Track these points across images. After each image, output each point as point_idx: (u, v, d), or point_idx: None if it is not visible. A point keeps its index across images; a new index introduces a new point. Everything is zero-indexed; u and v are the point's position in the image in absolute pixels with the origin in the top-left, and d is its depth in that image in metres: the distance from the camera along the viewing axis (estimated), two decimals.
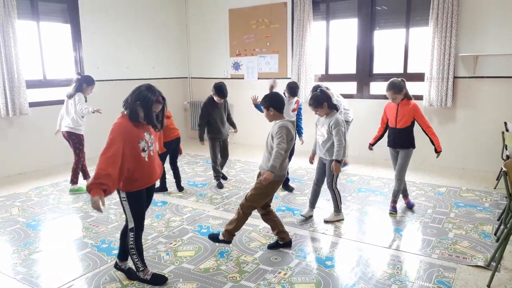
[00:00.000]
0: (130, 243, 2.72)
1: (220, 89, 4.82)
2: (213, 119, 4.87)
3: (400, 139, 3.91)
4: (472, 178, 5.30)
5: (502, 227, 3.38)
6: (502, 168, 2.85)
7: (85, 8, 6.37)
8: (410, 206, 4.20)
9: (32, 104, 5.75)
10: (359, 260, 3.15)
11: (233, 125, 5.21)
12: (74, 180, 4.91)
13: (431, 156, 5.81)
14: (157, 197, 4.67)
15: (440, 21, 5.50)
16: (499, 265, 2.86)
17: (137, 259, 2.77)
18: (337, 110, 3.72)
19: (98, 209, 2.36)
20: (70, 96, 4.75)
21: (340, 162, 3.66)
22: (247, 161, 6.32)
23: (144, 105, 2.58)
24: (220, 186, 5.02)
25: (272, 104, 3.16)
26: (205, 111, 4.88)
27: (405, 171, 3.98)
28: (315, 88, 4.42)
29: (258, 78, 7.35)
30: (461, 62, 5.58)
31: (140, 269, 2.80)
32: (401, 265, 3.08)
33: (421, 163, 5.84)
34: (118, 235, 3.62)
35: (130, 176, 2.59)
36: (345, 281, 2.84)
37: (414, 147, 3.93)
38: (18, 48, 5.45)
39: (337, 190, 3.88)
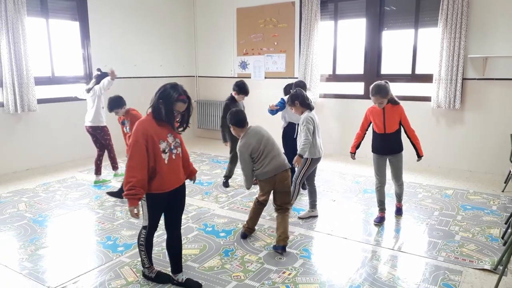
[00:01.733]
0: (141, 240, 2.73)
1: (243, 87, 4.83)
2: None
3: (390, 145, 3.73)
4: (479, 180, 5.25)
5: (509, 230, 3.35)
6: (510, 171, 2.82)
7: (94, 6, 6.41)
8: (399, 213, 4.02)
9: (40, 101, 5.79)
10: (364, 261, 3.14)
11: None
12: (115, 166, 5.36)
13: (438, 157, 5.82)
14: None
15: (449, 22, 5.45)
16: (506, 269, 2.83)
17: (144, 256, 2.77)
18: (310, 109, 3.89)
19: (134, 217, 2.48)
20: (88, 90, 5.07)
21: (303, 158, 3.78)
22: None
23: (165, 103, 2.52)
24: (226, 185, 5.04)
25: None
26: (228, 111, 4.84)
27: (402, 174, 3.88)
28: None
29: (265, 78, 7.34)
30: (470, 63, 5.52)
31: (146, 266, 2.81)
32: (407, 267, 3.06)
33: (428, 165, 5.80)
34: (124, 232, 3.65)
35: (150, 175, 2.54)
36: (350, 282, 2.82)
37: (403, 149, 3.78)
38: (27, 45, 5.49)
39: (299, 186, 3.93)
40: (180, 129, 2.68)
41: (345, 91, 6.71)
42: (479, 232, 3.64)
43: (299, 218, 3.99)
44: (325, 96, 6.74)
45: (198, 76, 8.30)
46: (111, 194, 4.49)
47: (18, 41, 5.39)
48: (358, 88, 6.52)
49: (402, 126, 3.72)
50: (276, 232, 3.36)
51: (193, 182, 2.96)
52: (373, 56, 6.30)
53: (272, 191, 3.44)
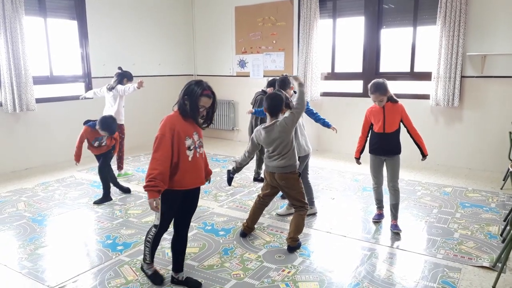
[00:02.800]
0: (149, 237, 2.74)
1: (274, 83, 4.62)
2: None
3: (389, 145, 3.58)
4: (478, 178, 5.26)
5: (508, 227, 3.35)
6: (509, 169, 2.83)
7: (92, 5, 6.40)
8: (397, 229, 3.65)
9: (39, 100, 5.78)
10: (363, 259, 3.14)
11: None
12: (120, 166, 5.37)
13: (437, 155, 5.83)
14: None
15: (448, 19, 5.45)
16: (504, 266, 2.83)
17: (148, 252, 2.79)
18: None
19: (154, 209, 2.47)
20: (111, 88, 5.13)
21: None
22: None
23: (190, 99, 2.52)
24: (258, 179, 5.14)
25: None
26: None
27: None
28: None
29: (264, 76, 7.34)
30: (469, 61, 5.53)
31: (146, 261, 2.82)
32: (406, 264, 3.06)
33: (426, 163, 5.80)
34: (123, 231, 3.66)
35: (171, 171, 2.54)
36: (349, 280, 2.83)
37: (401, 152, 3.62)
38: (25, 44, 5.48)
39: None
40: (204, 125, 2.69)
41: (343, 89, 6.72)
42: (478, 230, 3.65)
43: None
44: (324, 94, 6.74)
45: (197, 75, 8.28)
46: (98, 202, 4.41)
47: (16, 40, 5.37)
48: (357, 86, 6.53)
49: (404, 126, 3.59)
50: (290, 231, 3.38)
51: (208, 183, 2.95)
52: (371, 54, 6.30)
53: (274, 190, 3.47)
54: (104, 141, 4.44)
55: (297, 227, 3.31)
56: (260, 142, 3.34)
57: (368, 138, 3.74)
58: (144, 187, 2.46)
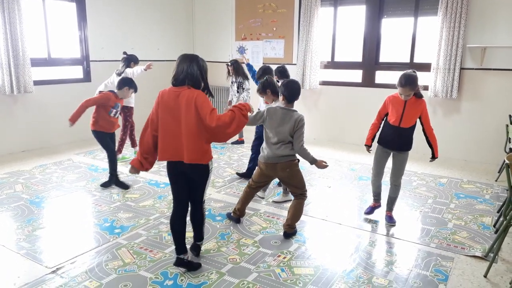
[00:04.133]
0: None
1: (285, 72, 4.63)
2: None
3: (401, 140, 3.42)
4: (474, 170, 5.31)
5: (501, 219, 3.40)
6: (504, 161, 2.86)
7: None
8: (391, 221, 3.60)
9: (36, 83, 5.75)
10: (358, 246, 3.19)
11: None
12: (120, 150, 5.33)
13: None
14: (160, 179, 4.71)
15: (449, 10, 5.43)
16: (496, 256, 2.88)
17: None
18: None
19: None
20: (120, 73, 5.18)
21: None
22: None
23: (206, 75, 2.68)
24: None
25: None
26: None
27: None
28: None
29: (263, 63, 7.31)
30: (469, 53, 5.53)
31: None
32: (400, 253, 3.11)
33: (423, 154, 5.83)
34: (120, 215, 3.68)
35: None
36: (343, 267, 2.88)
37: (411, 149, 3.49)
38: (23, 26, 5.42)
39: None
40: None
41: (343, 78, 6.71)
42: (472, 220, 3.70)
43: (273, 202, 4.07)
44: (323, 83, 6.73)
45: None
46: (105, 185, 4.40)
47: (14, 21, 5.32)
48: (356, 75, 6.52)
49: (421, 123, 3.42)
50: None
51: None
52: (372, 43, 6.28)
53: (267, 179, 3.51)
54: (119, 110, 4.35)
55: (296, 214, 3.34)
56: (269, 120, 3.23)
57: (381, 128, 3.58)
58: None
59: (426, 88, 5.81)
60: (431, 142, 3.47)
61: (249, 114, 2.79)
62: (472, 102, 5.63)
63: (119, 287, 2.58)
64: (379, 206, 3.80)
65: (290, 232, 3.32)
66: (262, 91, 3.77)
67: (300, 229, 3.46)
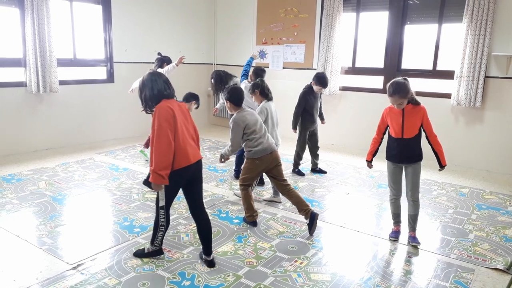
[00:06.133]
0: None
1: (323, 79, 4.91)
2: (310, 108, 4.95)
3: (409, 152, 3.23)
4: (496, 180, 5.19)
5: None
6: None
7: None
8: (415, 241, 3.32)
9: (62, 82, 5.90)
10: (375, 254, 3.15)
11: (321, 116, 5.30)
12: (148, 144, 5.40)
13: (455, 155, 5.75)
14: None
15: (474, 18, 5.34)
16: None
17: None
18: (268, 100, 4.11)
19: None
20: None
21: None
22: None
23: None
24: (300, 173, 5.16)
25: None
26: (304, 99, 4.94)
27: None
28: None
29: (283, 68, 7.33)
30: (494, 61, 5.42)
31: (157, 244, 2.93)
32: (419, 262, 3.07)
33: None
34: (140, 214, 3.74)
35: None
36: (361, 275, 2.85)
37: (422, 158, 3.29)
38: (51, 27, 5.57)
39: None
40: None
41: (363, 84, 6.66)
42: (494, 232, 3.61)
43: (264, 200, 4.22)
44: (344, 88, 6.70)
45: (216, 64, 8.31)
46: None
47: (42, 22, 5.47)
48: (377, 82, 6.46)
49: (423, 131, 3.24)
50: (300, 207, 3.51)
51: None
52: (394, 50, 6.22)
53: (262, 175, 3.76)
54: None
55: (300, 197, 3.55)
56: (249, 123, 3.45)
57: (386, 143, 3.38)
58: None
59: (448, 96, 5.74)
60: (436, 150, 3.28)
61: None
62: (496, 111, 5.51)
63: (137, 285, 2.62)
64: (400, 231, 3.48)
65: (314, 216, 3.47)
66: (251, 91, 4.11)
67: (317, 235, 3.45)
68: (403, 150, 3.23)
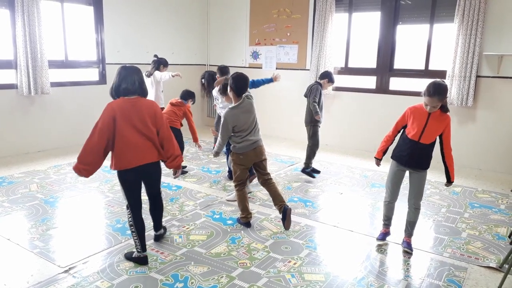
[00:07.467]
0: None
1: (333, 76, 4.99)
2: (321, 105, 4.90)
3: (420, 157, 3.07)
4: (488, 179, 5.22)
5: None
6: None
7: None
8: (409, 248, 3.21)
9: (53, 84, 5.85)
10: (369, 254, 3.16)
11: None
12: None
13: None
14: (172, 181, 4.74)
15: (466, 18, 5.38)
16: (511, 268, 2.83)
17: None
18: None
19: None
20: (149, 75, 5.48)
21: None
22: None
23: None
24: (315, 172, 5.04)
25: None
26: (320, 93, 4.86)
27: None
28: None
29: (276, 68, 7.33)
30: (485, 61, 5.46)
31: (138, 250, 2.89)
32: (412, 262, 3.07)
33: (437, 162, 5.76)
34: None
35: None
36: (354, 274, 2.85)
37: (429, 167, 3.16)
38: (42, 28, 5.53)
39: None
40: None
41: (356, 84, 6.68)
42: (486, 230, 3.63)
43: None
44: (337, 89, 6.71)
45: (209, 65, 8.29)
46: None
47: (33, 24, 5.43)
48: (370, 82, 6.48)
49: (440, 140, 3.07)
50: (275, 202, 3.55)
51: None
52: (386, 50, 6.25)
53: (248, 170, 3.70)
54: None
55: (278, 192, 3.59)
56: (238, 124, 3.45)
57: (397, 142, 3.23)
58: None
59: None
60: (447, 163, 3.12)
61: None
62: (487, 110, 5.55)
63: None
64: (389, 232, 3.39)
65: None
66: (222, 91, 4.06)
67: (311, 235, 3.45)
68: (415, 153, 3.06)
